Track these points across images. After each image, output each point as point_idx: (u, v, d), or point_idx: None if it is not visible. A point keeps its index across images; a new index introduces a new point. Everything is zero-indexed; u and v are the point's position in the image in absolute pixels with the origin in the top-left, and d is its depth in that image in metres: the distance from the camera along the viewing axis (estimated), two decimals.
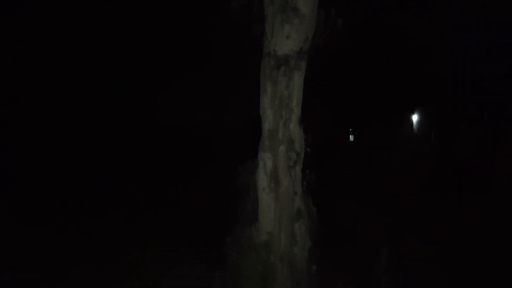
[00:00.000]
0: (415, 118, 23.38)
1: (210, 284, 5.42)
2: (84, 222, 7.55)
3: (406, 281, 5.77)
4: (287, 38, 5.37)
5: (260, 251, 5.48)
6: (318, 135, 6.12)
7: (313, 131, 5.88)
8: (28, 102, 9.56)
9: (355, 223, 7.13)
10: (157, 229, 7.04)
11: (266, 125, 5.59)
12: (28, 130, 9.44)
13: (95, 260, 6.27)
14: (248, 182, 5.90)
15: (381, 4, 9.46)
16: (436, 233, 7.01)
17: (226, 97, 9.39)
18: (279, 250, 5.51)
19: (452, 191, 9.15)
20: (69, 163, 9.27)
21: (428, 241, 6.70)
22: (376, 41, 12.94)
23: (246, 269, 5.39)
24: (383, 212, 7.55)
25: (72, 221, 7.56)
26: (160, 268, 5.84)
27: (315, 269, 5.67)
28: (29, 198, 7.99)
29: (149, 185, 8.83)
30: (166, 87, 9.62)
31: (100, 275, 5.84)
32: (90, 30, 9.31)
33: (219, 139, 9.47)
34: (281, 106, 5.52)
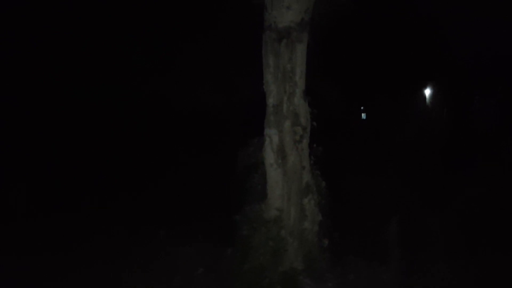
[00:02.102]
0: (427, 92, 23.04)
1: (222, 260, 5.45)
2: (96, 197, 7.68)
3: (418, 253, 5.72)
4: (287, 9, 5.24)
5: (270, 226, 5.48)
6: (329, 111, 6.05)
7: (323, 106, 5.80)
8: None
9: (366, 196, 7.08)
10: (166, 207, 7.10)
11: (270, 101, 5.53)
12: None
13: (105, 237, 6.37)
14: (255, 159, 5.88)
15: None
16: (448, 204, 6.92)
17: (230, 76, 9.33)
18: (289, 225, 5.50)
19: (466, 163, 9.01)
20: (82, 137, 9.38)
21: (441, 211, 6.62)
22: (386, 13, 12.63)
23: (257, 245, 5.39)
24: (394, 184, 7.48)
25: (84, 197, 7.68)
26: (171, 245, 5.91)
27: (326, 243, 5.66)
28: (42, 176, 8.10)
29: (158, 164, 8.90)
30: (168, 67, 9.60)
31: (110, 252, 5.93)
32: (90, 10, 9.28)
33: (225, 118, 9.46)
34: (285, 80, 5.44)
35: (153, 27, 9.21)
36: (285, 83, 5.43)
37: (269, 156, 5.52)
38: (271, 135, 5.49)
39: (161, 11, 8.92)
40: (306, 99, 5.54)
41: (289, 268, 5.39)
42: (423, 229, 6.22)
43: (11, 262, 5.61)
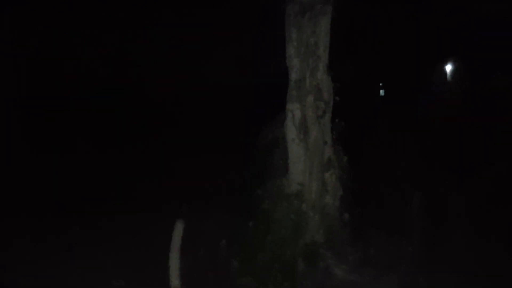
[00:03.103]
0: (449, 68, 22.56)
1: (244, 233, 5.55)
2: (122, 179, 7.84)
3: (439, 227, 5.73)
4: None
5: (292, 201, 5.54)
6: (348, 86, 5.98)
7: (342, 81, 5.75)
8: None
9: (388, 171, 7.06)
10: (189, 182, 7.20)
11: (293, 75, 5.52)
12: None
13: (133, 214, 6.53)
14: (277, 134, 5.90)
15: None
16: (470, 179, 6.87)
17: (252, 49, 9.23)
18: (311, 200, 5.56)
19: (488, 138, 8.87)
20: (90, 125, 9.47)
21: (462, 187, 6.58)
22: None
23: (278, 219, 5.47)
24: (416, 159, 7.44)
25: (110, 179, 7.85)
26: (194, 219, 6.01)
27: (347, 217, 5.71)
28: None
29: (182, 138, 8.95)
30: (186, 44, 9.52)
31: (138, 228, 6.09)
32: None
33: (247, 92, 9.42)
34: (308, 54, 5.42)
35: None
36: (308, 57, 5.41)
37: (291, 131, 5.54)
38: (294, 110, 5.49)
39: None
40: (330, 74, 5.50)
41: (310, 241, 5.48)
42: (445, 204, 6.19)
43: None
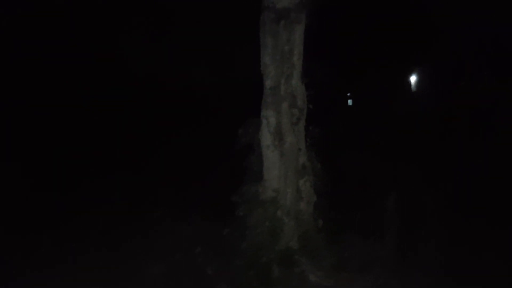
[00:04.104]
0: (413, 78, 23.33)
1: (219, 240, 5.52)
2: (88, 180, 7.63)
3: (412, 230, 5.87)
4: None
5: (267, 207, 5.54)
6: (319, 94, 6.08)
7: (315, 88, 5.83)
8: None
9: (362, 176, 7.20)
10: (162, 189, 7.11)
11: (268, 82, 5.53)
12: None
13: (99, 218, 6.37)
14: (251, 140, 5.91)
15: None
16: (441, 180, 7.10)
17: (227, 56, 9.25)
18: (286, 206, 5.58)
19: (454, 141, 9.23)
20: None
21: (434, 188, 6.78)
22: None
23: (253, 225, 5.46)
24: (388, 164, 7.62)
25: (76, 180, 7.64)
26: (167, 225, 5.94)
27: (322, 223, 5.77)
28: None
29: (155, 144, 8.84)
30: (162, 47, 9.44)
31: (105, 233, 5.94)
32: None
33: (221, 99, 9.42)
34: (283, 62, 5.46)
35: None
36: (283, 64, 5.45)
37: (266, 138, 5.56)
38: (269, 117, 5.52)
39: None
40: (303, 81, 5.58)
41: (286, 247, 5.49)
42: (418, 207, 6.36)
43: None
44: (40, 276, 4.94)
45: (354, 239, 5.64)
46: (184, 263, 5.22)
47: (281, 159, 5.57)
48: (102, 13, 9.27)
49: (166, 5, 8.89)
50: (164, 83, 9.60)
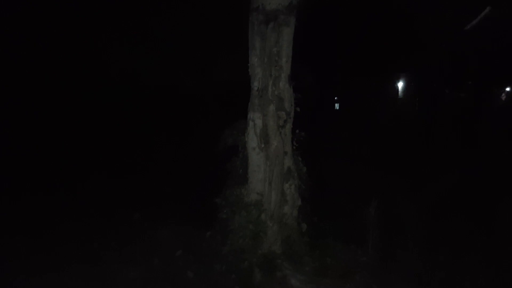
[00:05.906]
0: (400, 84, 23.55)
1: (201, 243, 5.43)
2: (70, 182, 7.47)
3: (395, 237, 5.88)
4: None
5: (251, 210, 5.48)
6: (306, 97, 6.05)
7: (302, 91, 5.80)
8: None
9: (345, 181, 7.19)
10: (145, 191, 6.98)
11: (255, 84, 5.47)
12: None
13: (80, 221, 6.21)
14: (237, 142, 5.84)
15: None
16: (423, 187, 7.14)
17: (215, 58, 9.17)
18: (270, 209, 5.52)
19: (438, 148, 9.32)
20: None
21: (416, 195, 6.82)
22: (363, 7, 12.72)
23: (237, 228, 5.39)
24: (371, 169, 7.64)
25: (58, 182, 7.46)
26: (148, 228, 5.82)
27: (305, 227, 5.73)
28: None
29: (136, 146, 8.71)
30: (149, 48, 9.32)
31: (86, 236, 5.79)
32: None
33: (207, 100, 9.34)
34: (271, 64, 5.40)
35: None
36: (270, 66, 5.39)
37: (252, 140, 5.50)
38: (255, 119, 5.46)
39: None
40: (291, 84, 5.53)
41: (268, 251, 5.43)
42: (400, 213, 6.38)
43: None
44: (14, 276, 4.80)
45: (337, 244, 5.61)
46: (164, 267, 5.10)
47: (267, 162, 5.51)
48: (90, 15, 9.11)
49: (154, 5, 8.79)
50: (149, 84, 9.48)
